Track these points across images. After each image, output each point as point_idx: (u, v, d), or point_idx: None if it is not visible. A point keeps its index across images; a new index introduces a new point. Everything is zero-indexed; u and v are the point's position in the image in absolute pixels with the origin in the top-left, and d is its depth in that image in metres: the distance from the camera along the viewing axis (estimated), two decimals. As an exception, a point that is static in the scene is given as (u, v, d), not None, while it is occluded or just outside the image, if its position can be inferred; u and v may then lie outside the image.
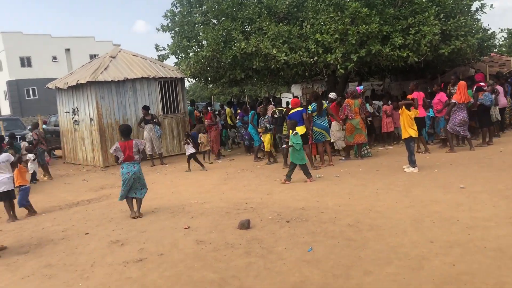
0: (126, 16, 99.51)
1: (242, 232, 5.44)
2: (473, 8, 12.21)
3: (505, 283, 3.60)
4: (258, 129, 11.36)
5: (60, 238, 5.96)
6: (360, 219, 5.55)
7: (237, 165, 11.41)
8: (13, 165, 7.46)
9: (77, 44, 43.79)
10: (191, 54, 13.33)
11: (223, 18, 12.50)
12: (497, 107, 11.37)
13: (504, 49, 25.53)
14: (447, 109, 10.06)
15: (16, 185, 7.66)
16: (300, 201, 6.82)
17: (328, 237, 5.02)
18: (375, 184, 7.55)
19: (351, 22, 10.45)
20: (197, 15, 13.25)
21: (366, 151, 10.48)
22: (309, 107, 9.88)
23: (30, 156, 10.90)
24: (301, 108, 9.67)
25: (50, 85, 15.33)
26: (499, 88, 11.71)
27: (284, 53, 10.93)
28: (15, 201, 7.60)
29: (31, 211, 7.83)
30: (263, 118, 11.11)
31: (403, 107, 8.58)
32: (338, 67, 10.78)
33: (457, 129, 9.85)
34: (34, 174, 11.31)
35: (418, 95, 10.33)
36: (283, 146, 9.32)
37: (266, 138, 10.95)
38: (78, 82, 13.15)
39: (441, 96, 10.73)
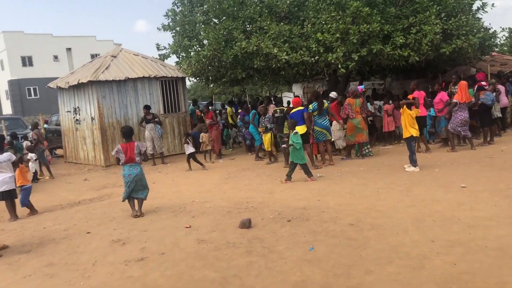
0: (127, 16, 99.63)
1: (243, 232, 5.45)
2: (474, 7, 12.21)
3: (506, 282, 3.60)
4: (259, 129, 11.36)
5: (62, 237, 5.97)
6: (361, 219, 5.56)
7: (238, 164, 11.42)
8: (14, 164, 7.47)
9: (78, 44, 43.77)
10: (192, 53, 13.33)
11: (224, 18, 12.50)
12: (498, 104, 11.38)
13: (505, 48, 25.49)
14: (448, 108, 10.05)
15: (17, 185, 7.67)
16: (301, 200, 6.82)
17: (329, 236, 5.03)
18: (376, 183, 7.55)
19: (352, 21, 10.45)
20: (198, 14, 13.26)
21: (367, 151, 10.48)
22: (310, 106, 9.88)
23: (32, 155, 10.93)
24: (302, 108, 9.67)
25: (52, 85, 15.34)
26: (501, 88, 11.71)
27: (285, 53, 10.93)
28: (17, 201, 7.62)
29: (33, 210, 7.85)
30: (263, 118, 11.11)
31: (405, 106, 8.57)
32: (339, 66, 10.78)
33: (458, 129, 9.85)
34: (35, 174, 11.33)
35: (419, 94, 10.33)
36: (283, 145, 9.33)
37: (267, 138, 10.95)
38: (80, 82, 13.16)
39: (442, 96, 10.71)
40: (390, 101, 12.41)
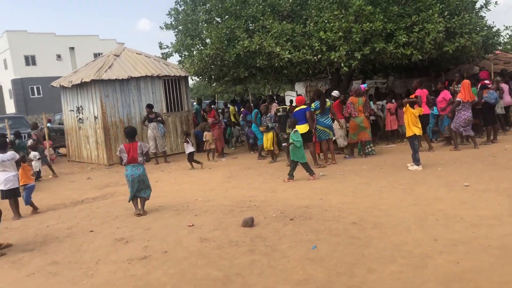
0: (130, 15, 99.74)
1: (246, 230, 5.45)
2: (478, 5, 12.18)
3: (509, 281, 3.59)
4: (260, 128, 11.34)
5: (65, 235, 5.99)
6: (364, 217, 5.55)
7: (240, 163, 11.42)
8: (17, 163, 7.49)
9: (81, 43, 43.83)
10: (194, 52, 13.35)
11: (226, 16, 12.50)
12: (501, 101, 11.35)
13: (509, 46, 25.34)
14: (451, 107, 10.02)
15: (20, 184, 7.70)
16: (304, 199, 6.82)
17: (332, 235, 5.03)
18: (378, 182, 7.54)
19: (355, 20, 10.43)
20: (201, 13, 13.27)
21: (370, 149, 10.47)
22: (312, 105, 9.87)
23: (35, 153, 10.98)
24: (305, 106, 9.65)
25: (55, 84, 15.38)
26: (504, 86, 11.67)
27: (288, 51, 10.92)
28: (20, 199, 7.64)
29: (34, 209, 7.88)
30: (265, 117, 11.11)
31: (407, 105, 8.56)
32: (342, 65, 10.77)
33: (461, 129, 9.82)
34: (38, 173, 11.37)
35: (421, 93, 10.30)
36: (284, 144, 9.33)
37: (268, 137, 10.95)
38: (83, 81, 13.19)
39: (445, 94, 10.69)
40: (393, 100, 12.39)
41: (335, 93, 11.05)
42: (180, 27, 13.68)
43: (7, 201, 7.38)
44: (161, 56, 14.94)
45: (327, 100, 9.99)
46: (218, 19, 13.14)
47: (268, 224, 5.64)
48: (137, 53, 14.95)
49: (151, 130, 12.64)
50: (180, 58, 14.58)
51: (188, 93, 15.13)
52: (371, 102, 12.02)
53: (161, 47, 14.55)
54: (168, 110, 14.37)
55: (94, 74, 12.93)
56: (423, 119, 9.52)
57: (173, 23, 14.01)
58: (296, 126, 8.74)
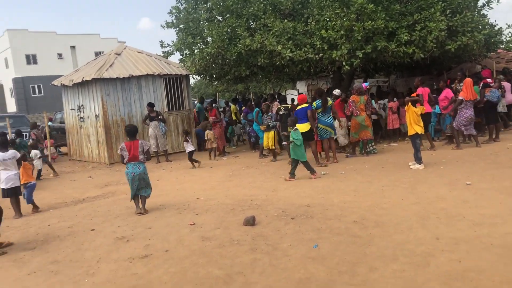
0: (131, 13, 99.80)
1: (247, 229, 5.44)
2: (480, 3, 12.15)
3: (511, 280, 3.58)
4: (260, 127, 11.32)
5: (66, 234, 5.99)
6: (366, 216, 5.54)
7: (242, 162, 11.41)
8: (18, 162, 7.50)
9: (83, 42, 43.90)
10: (196, 51, 13.34)
11: (228, 15, 12.49)
12: (503, 100, 11.33)
13: (511, 45, 25.28)
14: (453, 105, 10.00)
15: (22, 183, 7.70)
16: (305, 198, 6.81)
17: (334, 233, 5.02)
18: (380, 181, 7.53)
19: (356, 18, 10.41)
20: (202, 11, 13.25)
21: (371, 148, 10.45)
22: (314, 103, 9.85)
23: (36, 152, 10.99)
24: (307, 105, 9.63)
25: (56, 82, 15.39)
26: (506, 85, 11.65)
27: (289, 50, 10.90)
28: (21, 198, 7.65)
29: (35, 208, 7.89)
30: (265, 116, 11.09)
31: (409, 103, 8.53)
32: (344, 63, 10.74)
33: (462, 128, 9.79)
34: (39, 171, 11.38)
35: (423, 91, 10.28)
36: (284, 142, 9.31)
37: (269, 136, 10.93)
38: (84, 79, 13.19)
39: (447, 93, 10.66)
40: (395, 99, 12.36)
41: (336, 91, 11.03)
42: (181, 26, 13.67)
43: (8, 200, 7.40)
44: (162, 54, 14.92)
45: (328, 98, 9.97)
46: (219, 18, 13.12)
47: (269, 223, 5.63)
48: (138, 52, 14.95)
49: (152, 128, 12.63)
50: (181, 57, 14.58)
51: (189, 92, 15.13)
52: (373, 101, 12.00)
53: (162, 46, 14.54)
54: (169, 108, 14.36)
55: (95, 73, 12.92)
56: (425, 117, 9.50)
57: (174, 21, 13.99)
58: (297, 125, 8.74)
